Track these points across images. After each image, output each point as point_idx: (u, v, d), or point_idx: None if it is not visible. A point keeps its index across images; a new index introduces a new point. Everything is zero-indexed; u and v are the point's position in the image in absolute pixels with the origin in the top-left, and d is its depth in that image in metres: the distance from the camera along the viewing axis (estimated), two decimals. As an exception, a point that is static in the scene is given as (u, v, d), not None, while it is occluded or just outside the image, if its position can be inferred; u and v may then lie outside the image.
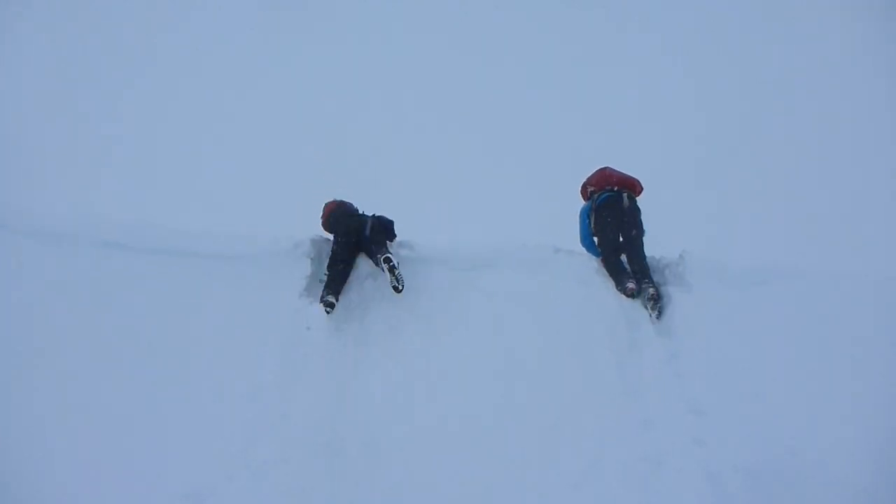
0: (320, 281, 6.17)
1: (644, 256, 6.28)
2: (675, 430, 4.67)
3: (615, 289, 6.06)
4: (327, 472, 4.41)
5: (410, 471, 4.45)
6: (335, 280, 6.03)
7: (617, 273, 6.13)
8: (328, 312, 5.78)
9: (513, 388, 5.03)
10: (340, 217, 6.51)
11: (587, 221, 6.69)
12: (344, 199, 6.88)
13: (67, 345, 5.01)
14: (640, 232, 6.43)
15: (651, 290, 5.88)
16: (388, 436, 4.69)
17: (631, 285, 5.97)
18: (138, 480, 4.19)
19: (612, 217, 6.42)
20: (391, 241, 6.56)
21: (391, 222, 6.62)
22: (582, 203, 6.92)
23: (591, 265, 6.39)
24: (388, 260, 5.76)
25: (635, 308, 5.92)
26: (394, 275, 5.72)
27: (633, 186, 6.66)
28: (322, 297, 5.83)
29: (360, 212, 6.67)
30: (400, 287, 5.75)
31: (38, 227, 6.09)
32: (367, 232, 6.27)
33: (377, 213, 6.60)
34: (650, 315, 5.81)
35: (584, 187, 6.95)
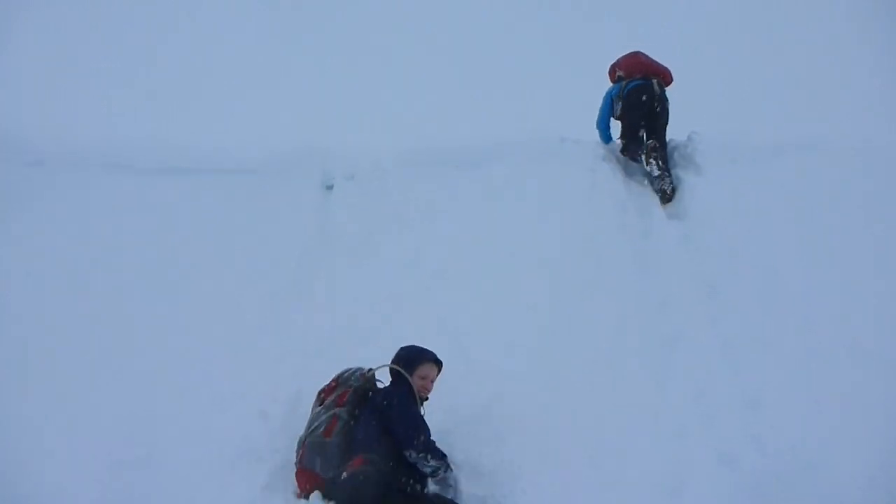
0: (327, 188, 6.15)
1: (665, 146, 6.26)
2: (691, 310, 4.74)
3: (640, 159, 6.08)
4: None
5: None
6: None
7: (639, 155, 6.12)
8: None
9: (527, 278, 5.02)
10: None
11: (610, 104, 6.55)
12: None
13: (86, 273, 4.97)
14: (667, 121, 6.37)
15: (669, 189, 5.91)
16: (400, 331, 4.33)
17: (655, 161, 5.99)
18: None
19: (642, 104, 6.27)
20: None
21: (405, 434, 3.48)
22: (609, 84, 6.74)
23: (598, 153, 6.32)
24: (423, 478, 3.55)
25: (644, 194, 5.94)
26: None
27: (663, 75, 6.50)
28: None
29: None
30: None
31: (47, 154, 6.04)
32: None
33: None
34: (661, 203, 5.87)
35: (612, 69, 6.76)
